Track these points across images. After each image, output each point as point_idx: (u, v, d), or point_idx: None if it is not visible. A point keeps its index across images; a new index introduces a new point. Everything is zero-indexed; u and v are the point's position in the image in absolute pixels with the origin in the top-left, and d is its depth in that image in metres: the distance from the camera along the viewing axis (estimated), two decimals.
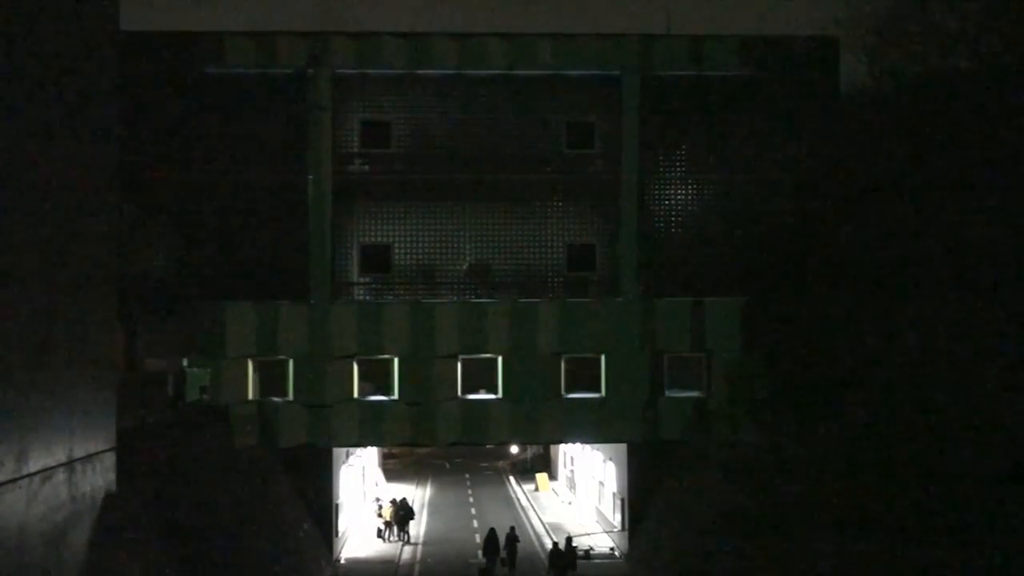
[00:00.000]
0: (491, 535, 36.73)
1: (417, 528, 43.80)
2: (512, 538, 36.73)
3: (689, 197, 35.01)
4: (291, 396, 33.66)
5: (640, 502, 36.71)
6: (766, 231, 34.61)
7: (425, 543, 41.71)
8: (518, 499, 53.46)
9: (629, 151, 34.45)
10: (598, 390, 34.47)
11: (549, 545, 38.67)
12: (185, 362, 33.81)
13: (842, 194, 33.96)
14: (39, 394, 16.34)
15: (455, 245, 34.67)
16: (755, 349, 34.04)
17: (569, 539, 36.93)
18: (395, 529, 42.18)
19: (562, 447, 55.70)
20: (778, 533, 27.11)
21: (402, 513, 42.04)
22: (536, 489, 55.79)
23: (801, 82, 34.98)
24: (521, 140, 34.79)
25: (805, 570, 25.40)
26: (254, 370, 33.74)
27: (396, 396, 34.04)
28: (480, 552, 37.28)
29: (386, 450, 59.97)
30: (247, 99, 33.94)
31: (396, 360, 34.07)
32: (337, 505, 37.57)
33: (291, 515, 33.23)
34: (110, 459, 19.56)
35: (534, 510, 49.75)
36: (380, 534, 42.19)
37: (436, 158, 34.64)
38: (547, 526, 44.68)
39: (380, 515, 43.18)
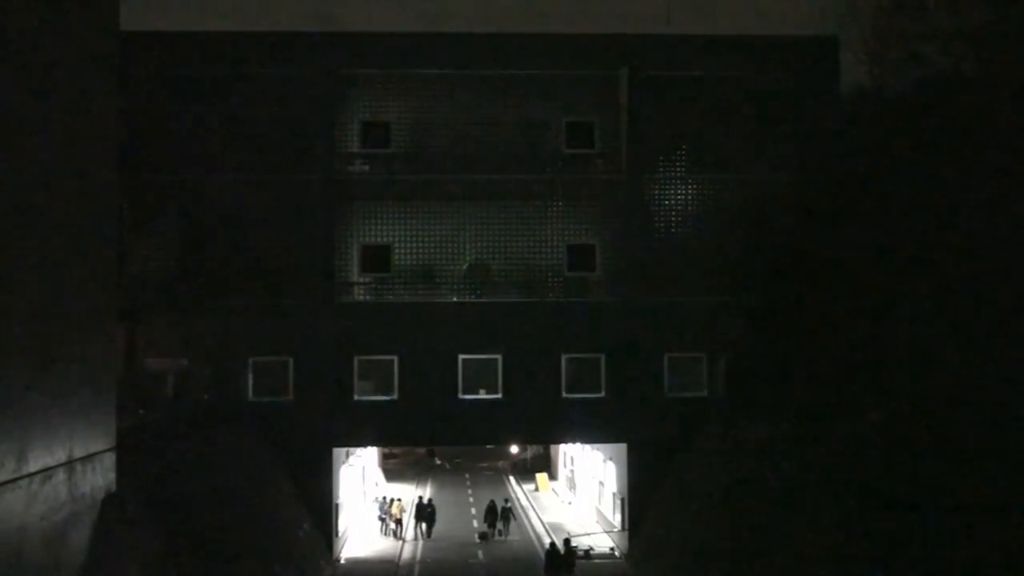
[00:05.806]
0: (491, 506, 42.24)
1: (416, 528, 43.78)
2: (507, 510, 42.46)
3: (688, 197, 35.03)
4: (291, 396, 33.68)
5: (640, 502, 36.70)
6: (766, 230, 34.64)
7: (425, 542, 41.72)
8: (518, 499, 53.44)
9: (628, 151, 34.46)
10: (598, 390, 34.48)
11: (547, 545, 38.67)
12: (185, 362, 33.87)
13: (842, 193, 33.98)
14: (39, 394, 16.32)
15: (455, 245, 34.69)
16: (756, 348, 34.04)
17: (568, 540, 36.90)
18: (402, 527, 42.25)
19: (562, 447, 55.68)
20: (777, 531, 27.09)
21: (429, 511, 42.37)
22: (536, 489, 55.76)
23: (801, 82, 35.01)
24: (521, 140, 34.81)
25: (804, 567, 25.39)
26: (254, 370, 33.76)
27: (396, 396, 34.07)
28: (483, 522, 42.52)
29: (386, 450, 59.93)
30: (247, 99, 34.00)
31: (396, 360, 34.09)
32: (337, 505, 37.56)
33: (291, 515, 33.22)
34: (110, 459, 19.54)
35: (534, 510, 49.71)
36: (392, 531, 42.08)
37: (436, 158, 34.68)
38: (547, 526, 44.66)
39: (388, 513, 43.09)
